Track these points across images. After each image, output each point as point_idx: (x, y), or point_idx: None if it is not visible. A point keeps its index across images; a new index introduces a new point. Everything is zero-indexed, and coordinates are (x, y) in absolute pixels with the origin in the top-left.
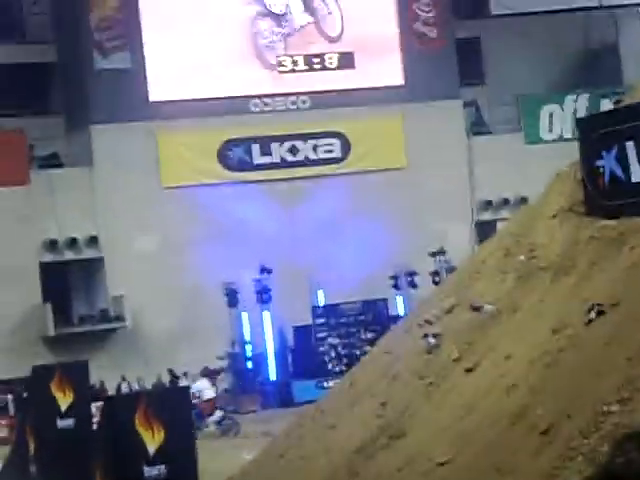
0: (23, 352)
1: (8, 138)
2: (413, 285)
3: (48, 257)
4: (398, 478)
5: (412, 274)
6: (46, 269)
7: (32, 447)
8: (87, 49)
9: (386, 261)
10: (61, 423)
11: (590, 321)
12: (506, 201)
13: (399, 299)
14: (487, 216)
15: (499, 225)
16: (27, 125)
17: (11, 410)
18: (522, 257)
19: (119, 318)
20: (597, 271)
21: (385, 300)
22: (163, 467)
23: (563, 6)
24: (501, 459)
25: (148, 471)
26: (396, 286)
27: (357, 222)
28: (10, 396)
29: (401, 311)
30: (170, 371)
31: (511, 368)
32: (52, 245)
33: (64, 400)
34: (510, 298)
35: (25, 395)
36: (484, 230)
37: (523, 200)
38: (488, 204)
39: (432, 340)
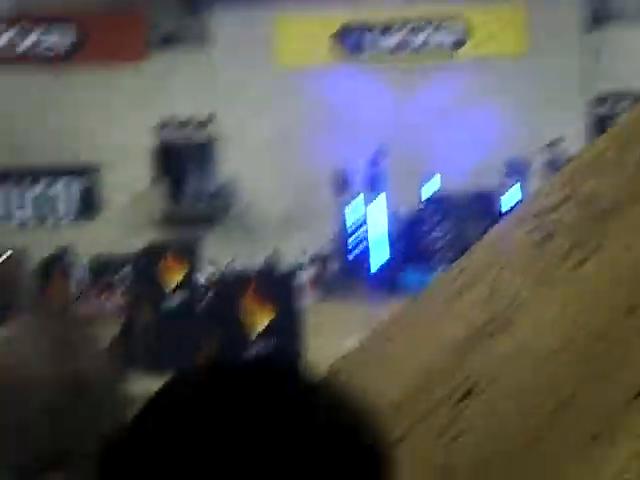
0: (136, 230)
1: (126, 17)
2: (527, 176)
3: (163, 137)
4: (506, 366)
5: (526, 165)
6: (161, 149)
7: (142, 323)
8: None
9: (500, 151)
10: (171, 300)
11: None
12: (627, 94)
13: (512, 190)
14: (606, 108)
15: (618, 118)
16: (146, 3)
17: (123, 286)
18: None
19: (231, 199)
20: None
21: (497, 191)
22: (270, 345)
23: None
24: (614, 349)
25: (255, 348)
26: (509, 176)
27: (473, 109)
28: (122, 272)
29: (513, 202)
30: (275, 253)
31: (629, 259)
32: (167, 125)
33: (174, 278)
34: (629, 189)
35: (137, 272)
36: (602, 122)
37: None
38: (608, 96)
39: (543, 231)
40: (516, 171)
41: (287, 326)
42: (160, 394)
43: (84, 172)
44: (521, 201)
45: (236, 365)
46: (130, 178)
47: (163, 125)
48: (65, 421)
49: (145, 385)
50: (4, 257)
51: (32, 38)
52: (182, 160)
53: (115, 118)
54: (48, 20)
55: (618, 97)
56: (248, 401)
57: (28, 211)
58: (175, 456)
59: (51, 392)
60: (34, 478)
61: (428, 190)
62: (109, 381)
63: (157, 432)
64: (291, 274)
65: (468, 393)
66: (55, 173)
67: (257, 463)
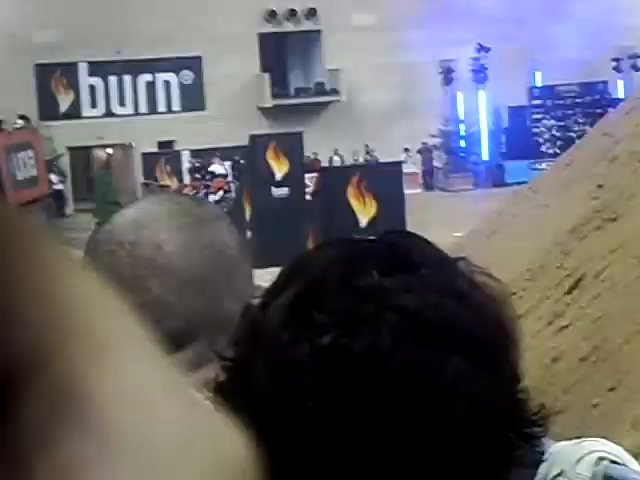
0: (241, 121)
1: None
2: (636, 68)
3: (267, 27)
4: (611, 260)
5: (635, 57)
6: (265, 39)
7: (248, 213)
8: None
9: (608, 43)
10: (276, 191)
11: None
12: None
13: (620, 82)
14: None
15: None
16: None
17: (230, 177)
18: None
19: (335, 91)
20: None
21: (605, 82)
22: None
23: None
24: None
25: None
26: (617, 69)
27: (579, 1)
28: (229, 163)
29: (621, 94)
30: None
31: None
32: (271, 15)
33: (279, 169)
34: None
35: (243, 163)
36: None
37: None
38: None
39: None
40: (624, 63)
41: (393, 218)
42: (306, 258)
43: (188, 65)
44: (630, 92)
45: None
46: (234, 69)
47: (268, 16)
48: (197, 297)
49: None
50: (113, 148)
51: None
52: (287, 51)
53: (218, 9)
54: None
55: None
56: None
57: (132, 105)
58: (323, 312)
59: (187, 268)
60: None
61: (533, 82)
62: (241, 254)
63: (302, 294)
64: (396, 166)
65: (575, 286)
66: (159, 67)
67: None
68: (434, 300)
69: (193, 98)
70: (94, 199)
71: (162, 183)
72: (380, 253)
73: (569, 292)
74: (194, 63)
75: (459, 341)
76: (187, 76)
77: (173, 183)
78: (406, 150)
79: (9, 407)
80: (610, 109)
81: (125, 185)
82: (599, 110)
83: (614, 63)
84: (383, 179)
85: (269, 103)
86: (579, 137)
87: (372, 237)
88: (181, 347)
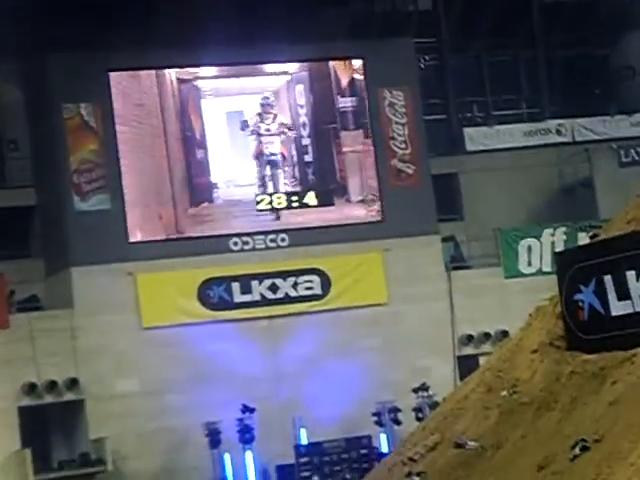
0: None
1: None
2: (396, 422)
3: (27, 401)
4: None
5: (395, 410)
6: (25, 413)
7: None
8: (66, 192)
9: (369, 397)
10: None
11: (575, 457)
12: (487, 335)
13: (382, 436)
14: (469, 350)
15: (481, 359)
16: (6, 269)
17: None
18: (504, 392)
19: (100, 462)
20: (580, 406)
21: (369, 437)
22: None
23: (537, 142)
24: None
25: None
26: (379, 423)
27: (338, 358)
28: None
29: (385, 448)
30: None
31: None
32: (31, 389)
33: None
34: (494, 434)
35: None
36: (466, 364)
37: (504, 334)
38: (469, 338)
39: (416, 478)
40: (385, 417)
41: None
42: None
43: None
44: (392, 446)
45: None
46: None
47: (27, 389)
48: None
49: None
50: None
51: None
52: (48, 424)
53: None
54: None
55: (479, 339)
56: None
57: None
58: None
59: None
60: None
61: (299, 440)
62: None
63: None
64: None
65: None
66: None
67: None
68: None
69: None
70: None
71: None
72: None
73: None
74: None
75: None
76: None
77: None
78: None
79: None
80: (375, 464)
81: None
82: (364, 465)
83: (375, 417)
84: None
85: (32, 479)
86: None
87: None
88: None
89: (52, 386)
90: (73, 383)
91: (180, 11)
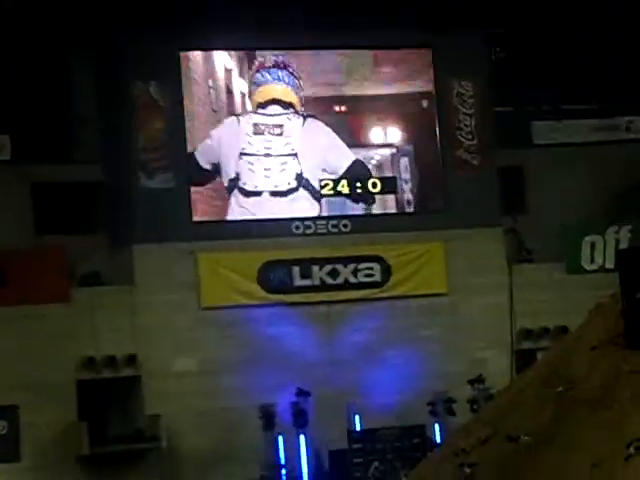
0: (57, 471)
1: (50, 255)
2: (451, 412)
3: (85, 375)
4: None
5: (450, 401)
6: (83, 387)
7: None
8: (133, 169)
9: (424, 387)
10: None
11: (629, 456)
12: (546, 330)
13: (436, 426)
14: (527, 345)
15: (538, 354)
16: (70, 243)
17: None
18: (560, 388)
19: (155, 438)
20: (637, 405)
21: (423, 427)
22: None
23: (605, 138)
24: None
25: None
26: (434, 413)
27: (396, 347)
28: None
29: (438, 438)
30: None
31: None
32: (90, 363)
33: None
34: (548, 430)
35: None
36: (523, 358)
37: (563, 330)
38: (528, 332)
39: (467, 470)
40: (440, 407)
41: None
42: None
43: (2, 413)
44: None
45: None
46: (53, 417)
47: (86, 363)
48: None
49: None
50: None
51: None
52: (105, 399)
53: (34, 357)
54: None
55: (538, 333)
56: None
57: None
58: None
59: None
60: None
61: (353, 426)
62: None
63: None
64: None
65: None
66: None
67: None
68: None
69: (6, 448)
70: None
71: None
72: None
73: None
74: (7, 411)
75: None
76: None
77: None
78: None
79: None
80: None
81: None
82: (417, 454)
83: (430, 407)
84: None
85: (87, 451)
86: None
87: None
88: None
89: (110, 361)
90: (131, 359)
91: None
